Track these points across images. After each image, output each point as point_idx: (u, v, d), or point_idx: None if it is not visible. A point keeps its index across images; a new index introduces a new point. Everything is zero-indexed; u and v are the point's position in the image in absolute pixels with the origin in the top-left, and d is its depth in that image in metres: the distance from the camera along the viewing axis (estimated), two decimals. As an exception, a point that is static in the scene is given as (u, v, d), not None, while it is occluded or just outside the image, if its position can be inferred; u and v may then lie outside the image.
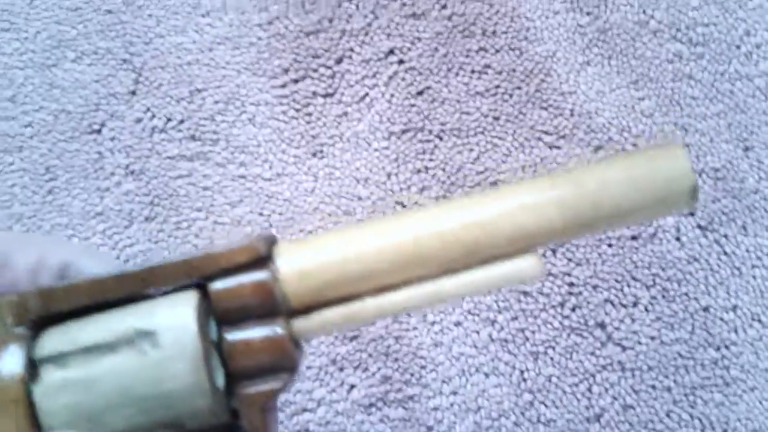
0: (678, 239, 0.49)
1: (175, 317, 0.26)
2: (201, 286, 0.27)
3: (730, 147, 0.50)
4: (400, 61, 0.52)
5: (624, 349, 0.49)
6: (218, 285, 0.27)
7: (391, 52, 0.52)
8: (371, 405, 0.49)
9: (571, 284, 0.50)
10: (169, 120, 0.52)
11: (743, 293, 0.49)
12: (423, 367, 0.50)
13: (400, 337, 0.50)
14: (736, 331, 0.49)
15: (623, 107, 0.50)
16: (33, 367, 0.26)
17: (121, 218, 0.51)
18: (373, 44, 0.52)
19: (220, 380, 0.27)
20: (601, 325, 0.49)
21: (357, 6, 0.52)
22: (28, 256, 0.29)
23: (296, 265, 0.28)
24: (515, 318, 0.50)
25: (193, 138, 0.51)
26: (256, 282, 0.27)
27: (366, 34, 0.52)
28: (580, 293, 0.49)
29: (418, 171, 0.51)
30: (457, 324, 0.50)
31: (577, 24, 0.51)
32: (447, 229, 0.28)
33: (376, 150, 0.51)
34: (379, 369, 0.50)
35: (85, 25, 0.53)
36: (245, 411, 0.28)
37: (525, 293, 0.50)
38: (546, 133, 0.50)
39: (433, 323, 0.50)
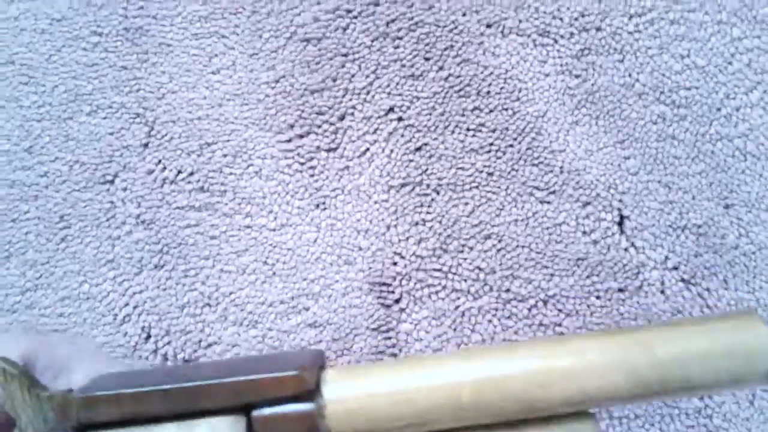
0: (663, 292, 0.52)
1: None
2: (244, 407, 0.27)
3: (711, 204, 0.53)
4: (400, 119, 0.54)
5: (611, 397, 0.51)
6: (263, 412, 0.27)
7: (391, 110, 0.55)
8: None
9: (562, 334, 0.52)
10: (179, 172, 0.54)
11: (725, 344, 0.51)
12: None
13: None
14: (718, 381, 0.51)
15: (610, 165, 0.53)
16: None
17: (131, 266, 0.53)
18: (374, 102, 0.55)
19: None
20: (590, 374, 0.51)
21: (359, 66, 0.55)
22: (88, 370, 0.31)
23: (343, 400, 0.27)
24: (507, 366, 0.52)
25: (202, 189, 0.54)
26: (301, 414, 0.27)
27: (367, 92, 0.55)
28: (570, 343, 0.52)
29: (416, 223, 0.53)
30: (452, 371, 0.52)
31: (566, 86, 0.54)
32: (507, 380, 0.26)
33: (376, 203, 0.54)
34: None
35: (100, 80, 0.56)
36: None
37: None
38: (537, 188, 0.53)
39: (428, 370, 0.52)
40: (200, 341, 0.53)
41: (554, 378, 0.26)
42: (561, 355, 0.27)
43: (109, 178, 0.55)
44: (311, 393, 0.27)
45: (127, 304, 0.53)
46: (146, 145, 0.55)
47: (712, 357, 0.26)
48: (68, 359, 0.34)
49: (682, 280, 0.52)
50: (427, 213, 0.53)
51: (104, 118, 0.55)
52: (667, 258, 0.52)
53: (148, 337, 0.52)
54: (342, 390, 0.27)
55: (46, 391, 0.28)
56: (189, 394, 0.27)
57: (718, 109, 0.54)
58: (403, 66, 0.55)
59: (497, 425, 0.28)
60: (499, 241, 0.53)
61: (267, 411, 0.27)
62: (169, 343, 0.52)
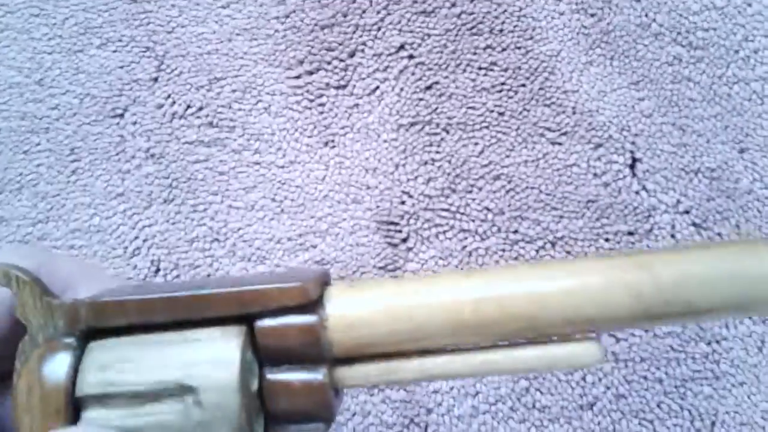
0: (673, 236, 0.51)
1: (219, 372, 0.26)
2: (247, 318, 0.27)
3: (726, 148, 0.52)
4: (410, 56, 0.54)
5: (618, 340, 0.51)
6: (265, 323, 0.27)
7: (402, 47, 0.54)
8: (374, 386, 0.51)
9: (568, 275, 0.51)
10: (188, 107, 0.54)
11: (734, 289, 0.51)
12: (423, 351, 0.51)
13: (402, 321, 0.52)
14: (727, 327, 0.50)
15: (623, 107, 0.52)
16: (76, 373, 0.27)
17: (140, 199, 0.53)
18: (385, 39, 0.54)
19: (260, 428, 0.27)
20: (596, 316, 0.51)
21: (370, 2, 0.54)
22: (92, 289, 0.31)
23: (346, 314, 0.27)
24: (513, 306, 0.51)
25: (211, 125, 0.54)
26: (304, 325, 0.26)
27: (378, 29, 0.54)
28: (577, 284, 0.51)
29: (425, 163, 0.53)
30: (458, 310, 0.52)
31: (581, 25, 0.53)
32: (508, 298, 0.26)
33: (385, 141, 0.53)
34: (381, 351, 0.52)
35: (110, 13, 0.56)
36: None
37: (523, 283, 0.51)
38: (549, 129, 0.52)
39: (434, 309, 0.52)
40: (209, 276, 0.53)
41: (555, 298, 0.26)
42: (563, 276, 0.26)
43: (119, 111, 0.55)
44: (314, 305, 0.26)
45: (136, 237, 0.53)
46: (156, 80, 0.55)
47: (716, 280, 0.26)
48: (73, 277, 0.34)
49: (694, 224, 0.51)
50: (437, 152, 0.53)
51: (114, 51, 0.55)
52: (678, 201, 0.51)
53: (158, 270, 0.53)
54: (345, 304, 0.27)
55: (56, 299, 0.28)
56: (193, 303, 0.27)
57: (736, 52, 0.52)
58: (415, 2, 0.54)
59: (499, 346, 0.27)
60: (509, 182, 0.52)
61: (269, 322, 0.27)
62: (177, 276, 0.53)
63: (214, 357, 0.26)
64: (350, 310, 0.27)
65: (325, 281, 0.28)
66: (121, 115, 0.55)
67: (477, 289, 0.26)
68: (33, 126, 0.55)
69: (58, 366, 0.27)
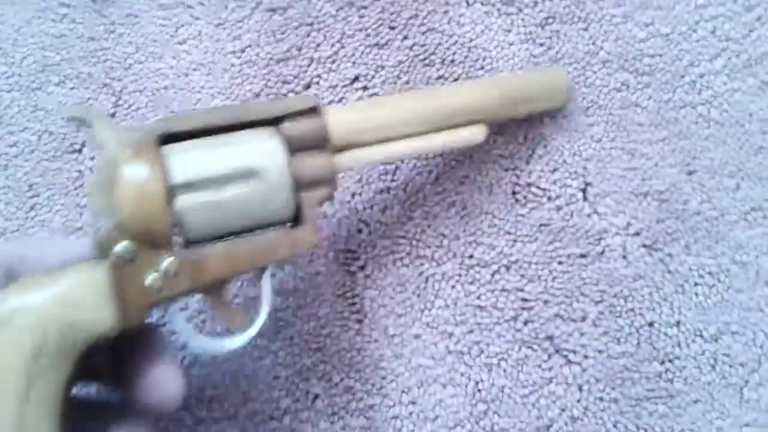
0: (624, 257, 0.52)
1: (272, 157, 0.39)
2: (274, 122, 0.41)
3: (674, 171, 0.53)
4: (365, 88, 0.55)
5: (571, 362, 0.51)
6: (287, 124, 0.41)
7: (356, 78, 0.55)
8: (334, 414, 0.52)
9: (524, 299, 0.52)
10: (145, 141, 0.55)
11: (686, 309, 0.52)
12: (384, 378, 0.52)
13: (362, 349, 0.52)
14: (679, 346, 0.51)
15: (575, 132, 0.53)
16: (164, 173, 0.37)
17: (98, 234, 0.54)
18: (339, 71, 0.55)
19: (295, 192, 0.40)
20: (551, 339, 0.52)
21: (324, 35, 0.55)
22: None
23: (338, 115, 0.43)
24: (471, 331, 0.52)
25: (168, 158, 0.54)
26: (313, 124, 0.41)
27: (333, 62, 0.55)
28: (532, 308, 0.52)
29: (381, 191, 0.54)
30: (416, 336, 0.52)
31: (530, 54, 0.54)
32: (432, 101, 0.46)
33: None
34: (342, 380, 0.52)
35: (68, 51, 0.56)
36: (305, 208, 0.41)
37: (480, 308, 0.52)
38: (501, 156, 0.53)
39: (393, 336, 0.52)
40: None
41: (461, 95, 0.47)
42: (464, 87, 0.48)
43: (77, 147, 0.55)
44: (317, 111, 0.42)
45: (94, 272, 0.53)
46: (113, 115, 0.55)
47: (542, 81, 0.50)
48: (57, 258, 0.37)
49: (644, 245, 0.52)
50: (392, 181, 0.54)
51: (72, 88, 0.56)
52: (629, 224, 0.52)
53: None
54: (337, 110, 0.44)
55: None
56: (239, 112, 0.40)
57: (682, 77, 0.54)
58: (368, 35, 0.55)
59: (425, 133, 0.46)
60: (463, 208, 0.53)
61: (289, 123, 0.41)
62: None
63: (265, 148, 0.39)
64: (339, 114, 0.43)
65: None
66: (79, 151, 0.55)
67: (418, 100, 0.46)
68: (-8, 163, 0.55)
69: (151, 165, 0.36)
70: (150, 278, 0.37)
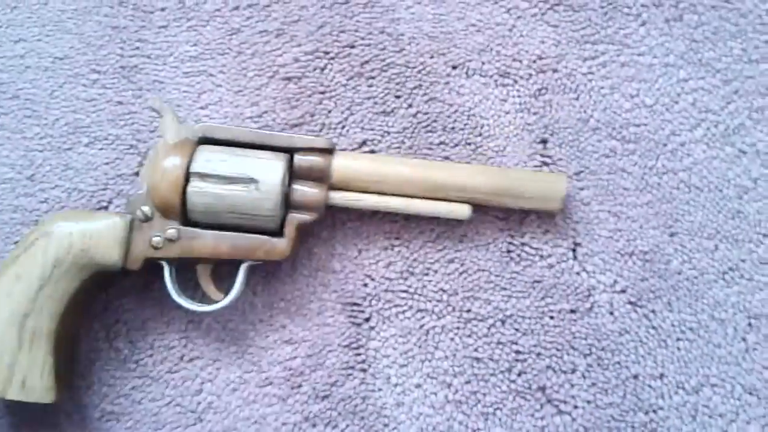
0: (611, 313, 0.56)
1: (271, 174, 0.51)
2: (289, 151, 0.53)
3: (657, 233, 0.57)
4: (372, 151, 0.59)
5: (562, 412, 0.55)
6: (299, 155, 0.53)
7: (364, 143, 0.59)
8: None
9: (518, 352, 0.56)
10: (168, 199, 0.59)
11: (669, 363, 0.55)
12: (386, 425, 0.56)
13: (367, 397, 0.56)
14: (662, 397, 0.55)
15: (567, 196, 0.57)
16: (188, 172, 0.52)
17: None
18: (349, 136, 0.59)
19: (284, 208, 0.52)
20: (543, 389, 0.55)
21: (335, 103, 0.60)
22: None
23: (344, 160, 0.54)
24: (468, 381, 0.56)
25: (188, 216, 0.58)
26: (320, 161, 0.53)
27: (343, 127, 0.60)
28: (525, 360, 0.56)
29: (385, 248, 0.58)
30: (418, 386, 0.56)
31: (525, 122, 0.59)
32: (428, 172, 0.53)
33: (349, 228, 0.58)
34: (347, 426, 0.56)
35: (98, 114, 0.61)
36: (288, 226, 0.53)
37: (477, 359, 0.56)
38: (497, 218, 0.58)
39: (396, 385, 0.56)
40: (183, 356, 0.57)
41: (451, 175, 0.54)
42: (457, 168, 0.55)
43: (104, 204, 0.59)
44: (327, 152, 0.54)
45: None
46: (137, 174, 0.60)
47: (538, 181, 0.54)
48: None
49: (630, 302, 0.56)
50: (396, 238, 0.58)
51: (101, 149, 0.60)
52: (615, 282, 0.56)
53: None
54: (343, 156, 0.55)
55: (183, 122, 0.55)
56: (263, 138, 0.54)
57: (665, 145, 0.58)
58: (376, 103, 0.60)
59: (418, 197, 0.54)
60: (462, 265, 0.57)
61: (300, 155, 0.53)
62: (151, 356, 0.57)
63: (270, 166, 0.52)
64: (345, 159, 0.54)
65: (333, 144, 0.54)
66: (106, 207, 0.59)
67: (415, 167, 0.54)
68: (24, 218, 0.60)
69: (182, 156, 0.52)
70: (155, 238, 0.52)
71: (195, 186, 0.52)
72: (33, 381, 0.50)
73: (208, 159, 0.52)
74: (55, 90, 0.62)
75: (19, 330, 0.50)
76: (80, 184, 0.60)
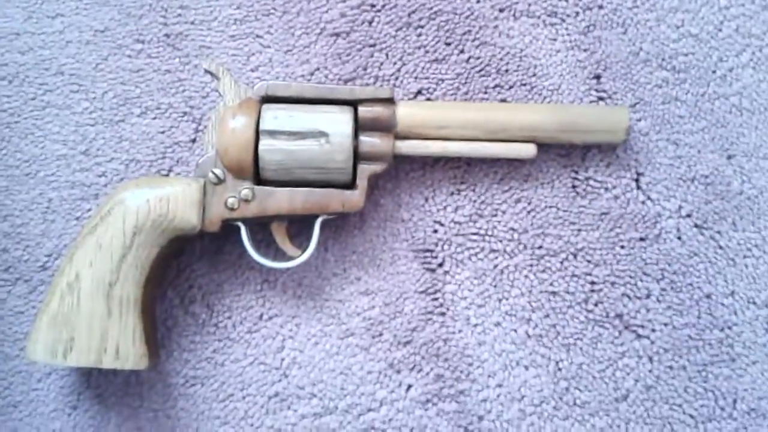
0: (679, 238, 0.57)
1: (341, 126, 0.52)
2: (353, 103, 0.53)
3: (715, 156, 0.58)
4: (428, 100, 0.59)
5: (640, 336, 0.56)
6: (363, 107, 0.53)
7: (419, 92, 0.60)
8: (427, 401, 0.56)
9: (593, 282, 0.57)
10: (230, 163, 0.58)
11: (738, 280, 0.57)
12: (470, 365, 0.56)
13: (448, 339, 0.57)
14: (735, 314, 0.57)
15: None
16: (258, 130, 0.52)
17: (193, 252, 0.57)
18: (403, 87, 0.60)
19: (353, 159, 0.52)
20: (620, 316, 0.57)
21: (386, 55, 0.60)
22: None
23: (407, 109, 0.54)
24: (547, 315, 0.57)
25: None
26: (384, 111, 0.53)
27: (396, 78, 0.60)
28: (600, 290, 0.57)
29: (452, 193, 0.58)
30: (497, 324, 0.57)
31: (576, 60, 0.60)
32: (491, 114, 0.54)
33: (413, 178, 0.59)
34: (432, 369, 0.56)
35: (147, 84, 0.60)
36: (360, 178, 0.53)
37: (554, 293, 0.57)
38: (560, 155, 0.59)
39: (475, 325, 0.57)
40: (261, 315, 0.57)
41: (516, 113, 0.55)
42: (522, 107, 0.56)
43: (164, 172, 0.59)
44: (390, 102, 0.54)
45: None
46: (194, 140, 0.59)
47: (600, 114, 0.55)
48: None
49: (695, 225, 0.58)
50: (461, 183, 0.58)
51: (154, 118, 0.60)
52: (680, 207, 0.58)
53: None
54: (407, 105, 0.55)
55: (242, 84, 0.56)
56: (327, 91, 0.54)
57: (713, 72, 0.60)
58: (427, 52, 0.60)
59: (485, 140, 0.55)
60: (529, 204, 0.58)
61: (364, 106, 0.53)
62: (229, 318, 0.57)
63: (338, 119, 0.52)
64: (409, 108, 0.54)
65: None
66: (166, 175, 0.59)
67: (478, 111, 0.54)
68: (83, 194, 0.59)
69: (249, 116, 0.52)
70: (230, 199, 0.52)
71: (266, 144, 0.52)
72: (126, 348, 0.50)
73: (276, 116, 0.52)
74: (99, 63, 0.61)
75: (106, 299, 0.50)
76: (137, 155, 0.59)
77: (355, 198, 0.53)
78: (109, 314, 0.50)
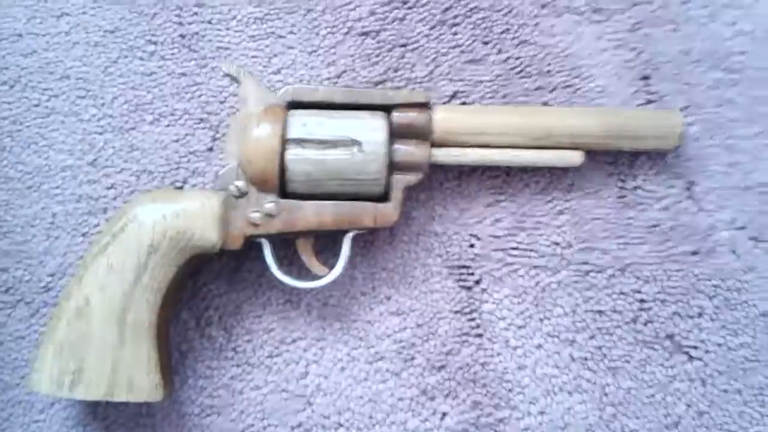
0: (734, 251, 0.53)
1: (375, 134, 0.47)
2: (387, 108, 0.49)
3: (772, 163, 0.54)
4: (464, 104, 0.55)
5: (693, 358, 0.52)
6: (396, 113, 0.49)
7: (455, 95, 0.55)
8: (464, 430, 0.52)
9: (642, 300, 0.53)
10: (250, 173, 0.54)
11: (798, 297, 0.53)
12: (510, 390, 0.52)
13: (486, 363, 0.53)
14: (794, 333, 0.53)
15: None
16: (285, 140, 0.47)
17: (211, 269, 0.53)
18: (437, 89, 0.55)
19: (388, 168, 0.48)
20: (671, 337, 0.53)
21: (419, 55, 0.56)
22: None
23: (444, 114, 0.49)
24: (592, 336, 0.53)
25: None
26: (420, 116, 0.49)
27: (429, 80, 0.55)
28: (650, 308, 0.53)
29: (489, 204, 0.54)
30: (539, 347, 0.53)
31: (623, 59, 0.55)
32: (534, 120, 0.49)
33: (447, 188, 0.54)
34: (468, 395, 0.52)
35: (160, 88, 0.56)
36: (395, 189, 0.49)
37: (600, 312, 0.53)
38: (606, 162, 0.54)
39: (515, 348, 0.53)
40: (284, 338, 0.53)
41: (563, 119, 0.50)
42: (569, 112, 0.51)
43: (179, 184, 0.55)
44: (426, 107, 0.49)
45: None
46: (211, 149, 0.55)
47: (652, 120, 0.51)
48: None
49: (751, 237, 0.53)
50: (500, 193, 0.54)
51: (168, 125, 0.55)
52: (735, 218, 0.54)
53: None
54: (444, 109, 0.50)
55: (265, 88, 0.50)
56: (359, 95, 0.49)
57: (769, 72, 0.55)
58: (463, 52, 0.56)
59: (527, 147, 0.50)
60: (573, 215, 0.54)
61: (398, 112, 0.49)
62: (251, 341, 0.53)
63: (371, 126, 0.48)
64: (446, 113, 0.50)
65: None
66: (181, 188, 0.55)
67: (521, 115, 0.50)
68: (90, 208, 0.55)
69: (275, 123, 0.47)
70: (254, 214, 0.48)
71: (293, 153, 0.47)
72: (140, 380, 0.46)
73: (304, 123, 0.48)
74: (108, 66, 0.57)
75: (119, 326, 0.46)
76: (149, 166, 0.55)
77: (388, 211, 0.49)
78: (121, 342, 0.46)
